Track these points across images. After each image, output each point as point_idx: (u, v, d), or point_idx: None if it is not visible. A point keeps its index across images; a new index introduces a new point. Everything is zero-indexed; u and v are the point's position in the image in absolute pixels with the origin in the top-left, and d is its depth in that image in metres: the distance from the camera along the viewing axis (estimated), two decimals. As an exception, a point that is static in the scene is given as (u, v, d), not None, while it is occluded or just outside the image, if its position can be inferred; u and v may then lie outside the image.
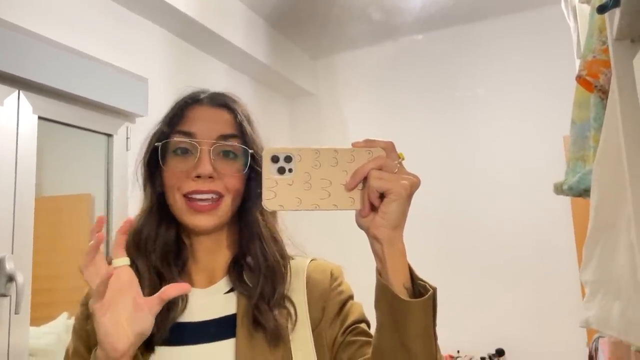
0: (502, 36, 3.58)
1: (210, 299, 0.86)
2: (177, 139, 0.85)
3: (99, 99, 2.27)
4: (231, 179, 0.85)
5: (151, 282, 0.83)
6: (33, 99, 2.03)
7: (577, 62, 1.98)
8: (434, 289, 0.68)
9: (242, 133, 0.87)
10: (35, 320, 1.97)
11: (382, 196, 0.66)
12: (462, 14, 3.58)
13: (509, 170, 3.43)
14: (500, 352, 3.26)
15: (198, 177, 0.82)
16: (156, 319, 0.79)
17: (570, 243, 3.06)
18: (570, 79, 2.50)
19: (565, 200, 2.93)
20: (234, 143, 0.86)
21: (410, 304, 0.66)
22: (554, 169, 3.12)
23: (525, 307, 3.26)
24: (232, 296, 0.86)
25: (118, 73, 2.39)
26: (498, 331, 3.29)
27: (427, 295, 0.67)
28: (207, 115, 0.88)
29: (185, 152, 0.85)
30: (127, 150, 2.46)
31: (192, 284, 0.88)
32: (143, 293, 0.78)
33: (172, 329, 0.81)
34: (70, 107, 2.20)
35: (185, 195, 0.83)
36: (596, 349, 1.67)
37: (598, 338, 1.66)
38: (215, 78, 3.22)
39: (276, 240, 0.89)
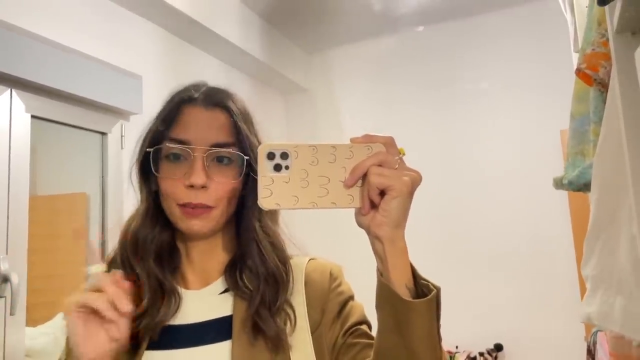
0: (497, 30, 3.58)
1: (205, 300, 0.84)
2: (170, 145, 0.82)
3: (92, 97, 2.25)
4: (224, 187, 0.82)
5: (152, 287, 0.81)
6: (26, 98, 2.01)
7: (574, 56, 1.97)
8: (438, 289, 0.67)
9: (237, 136, 0.84)
10: (32, 321, 1.95)
11: (382, 193, 0.64)
12: (458, 8, 3.58)
13: (506, 164, 3.43)
14: (498, 347, 3.27)
15: (191, 186, 0.80)
16: (145, 321, 0.77)
17: (568, 236, 3.06)
18: (566, 72, 2.50)
19: (563, 194, 2.93)
20: (229, 150, 0.83)
21: (413, 305, 0.64)
22: (551, 163, 3.15)
23: (524, 302, 3.26)
24: (228, 297, 0.84)
25: (111, 70, 2.37)
26: (496, 326, 3.29)
27: (430, 295, 0.65)
28: (201, 118, 0.84)
29: (178, 157, 0.82)
30: (121, 148, 2.44)
31: (186, 286, 0.86)
32: (143, 300, 0.78)
33: (162, 331, 0.79)
34: (64, 105, 2.18)
35: (180, 205, 0.81)
36: (594, 343, 1.66)
37: (596, 332, 1.66)
38: (210, 74, 3.19)
39: (275, 246, 0.86)
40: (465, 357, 3.16)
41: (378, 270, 0.68)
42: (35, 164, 2.06)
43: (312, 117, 4.07)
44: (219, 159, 0.83)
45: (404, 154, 0.66)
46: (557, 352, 3.08)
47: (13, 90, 1.96)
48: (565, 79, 2.68)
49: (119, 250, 0.85)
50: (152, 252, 0.84)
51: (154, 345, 0.78)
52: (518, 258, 3.32)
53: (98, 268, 0.72)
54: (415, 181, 0.64)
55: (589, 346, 1.72)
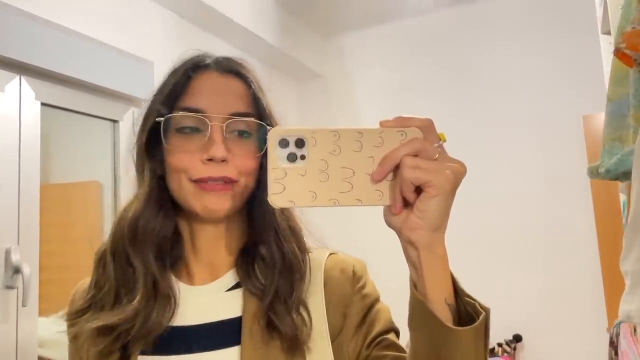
0: (518, 13, 3.47)
1: (210, 298, 0.74)
2: (183, 114, 0.71)
3: (103, 83, 2.21)
4: (246, 160, 0.72)
5: (147, 285, 0.71)
6: (35, 85, 1.97)
7: (602, 37, 1.89)
8: (487, 310, 0.55)
9: (257, 107, 0.75)
10: (45, 312, 1.94)
11: (418, 190, 0.53)
12: (476, -10, 3.48)
13: (527, 151, 3.35)
14: (517, 338, 3.22)
15: (209, 160, 0.69)
16: (136, 326, 0.68)
17: (590, 225, 2.98)
18: (590, 56, 2.42)
19: (585, 181, 2.85)
20: (251, 119, 0.73)
21: (457, 333, 0.53)
22: (574, 150, 3.07)
23: (543, 292, 3.19)
24: (237, 294, 0.73)
25: (122, 56, 2.33)
26: (515, 317, 3.23)
27: (479, 321, 0.54)
28: (216, 85, 0.74)
29: (193, 130, 0.71)
30: (133, 135, 2.41)
31: (190, 281, 0.76)
32: (135, 297, 0.69)
33: (160, 333, 0.70)
34: (74, 92, 2.14)
35: (195, 181, 0.71)
36: (617, 335, 1.61)
37: (620, 323, 1.60)
38: (223, 61, 3.14)
39: (294, 231, 0.76)
40: (483, 348, 3.12)
41: (412, 281, 0.57)
42: (47, 152, 2.04)
43: (327, 104, 4.00)
44: (239, 132, 0.73)
45: (444, 141, 0.55)
46: (577, 344, 3.01)
47: (22, 77, 1.93)
48: (588, 63, 2.59)
49: (111, 241, 0.75)
50: (153, 244, 0.73)
51: (151, 350, 0.69)
52: (538, 248, 3.25)
53: None
54: (460, 175, 0.53)
55: (611, 337, 1.67)
